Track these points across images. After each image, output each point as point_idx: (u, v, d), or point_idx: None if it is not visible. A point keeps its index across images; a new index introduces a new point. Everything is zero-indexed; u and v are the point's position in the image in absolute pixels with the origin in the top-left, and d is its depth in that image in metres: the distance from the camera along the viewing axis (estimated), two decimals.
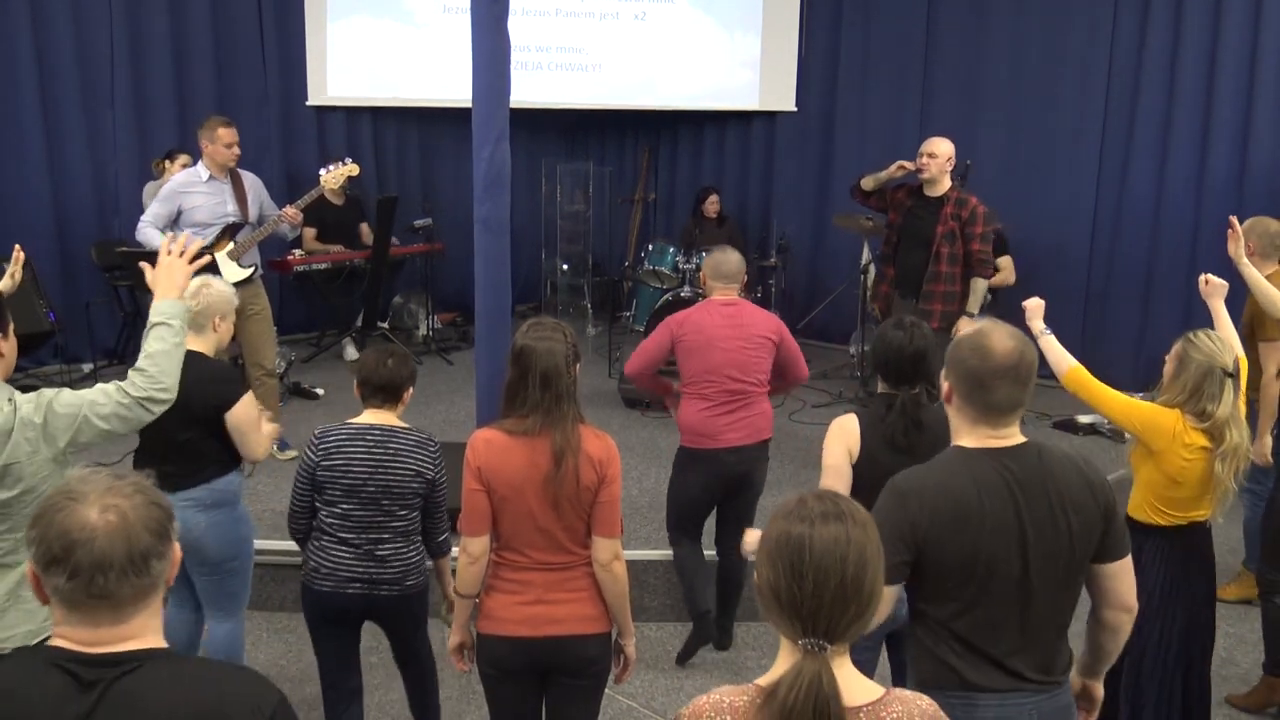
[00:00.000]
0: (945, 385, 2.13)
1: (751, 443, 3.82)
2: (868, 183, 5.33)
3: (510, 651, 2.55)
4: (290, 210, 5.42)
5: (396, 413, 3.08)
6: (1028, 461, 2.04)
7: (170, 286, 2.55)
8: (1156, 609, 2.96)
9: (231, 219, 5.30)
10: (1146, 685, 3.00)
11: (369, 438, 2.97)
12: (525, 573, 2.54)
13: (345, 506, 2.95)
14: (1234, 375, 2.87)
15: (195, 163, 5.52)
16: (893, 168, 5.22)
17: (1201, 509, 2.96)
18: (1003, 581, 2.00)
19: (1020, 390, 2.03)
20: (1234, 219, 3.69)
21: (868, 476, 2.78)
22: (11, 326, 2.47)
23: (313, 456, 2.96)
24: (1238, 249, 3.66)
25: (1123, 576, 2.11)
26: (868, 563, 1.44)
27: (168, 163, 6.71)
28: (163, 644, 1.48)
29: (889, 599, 2.05)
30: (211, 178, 5.26)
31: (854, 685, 1.47)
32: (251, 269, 5.37)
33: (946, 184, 5.15)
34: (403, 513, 2.98)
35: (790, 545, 1.44)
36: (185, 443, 3.20)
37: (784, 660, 1.48)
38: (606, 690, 2.77)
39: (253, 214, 5.39)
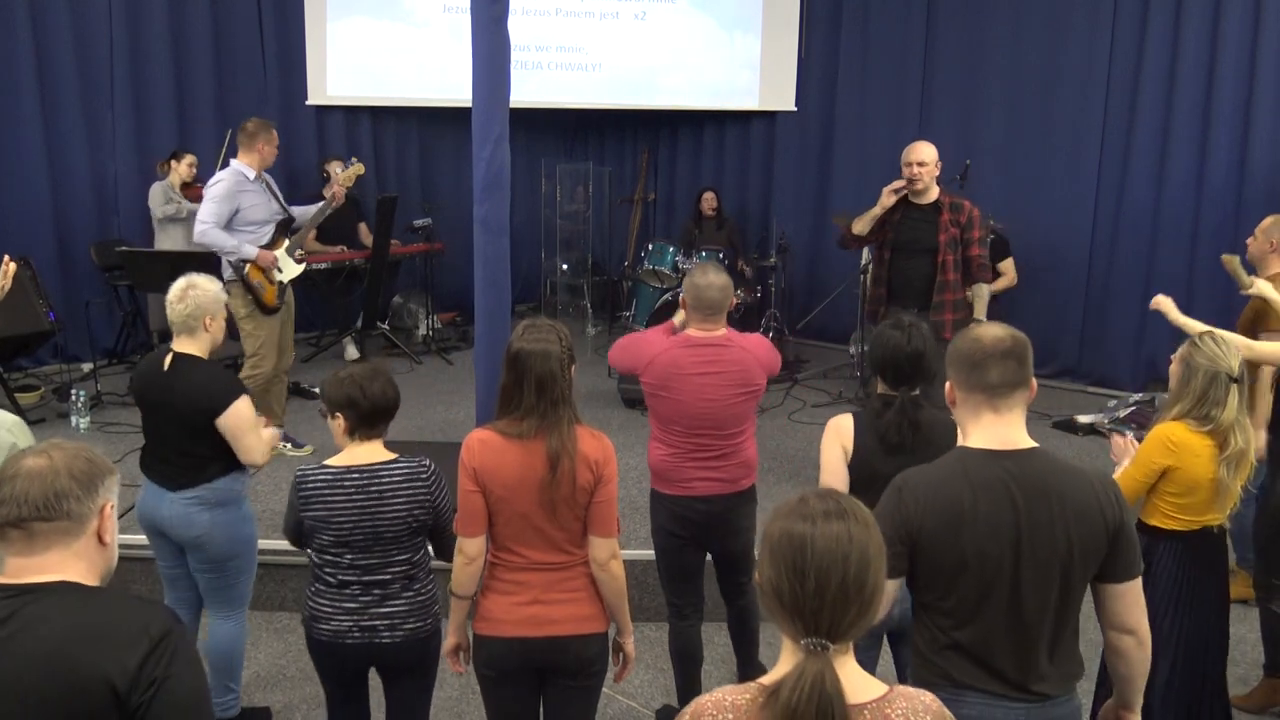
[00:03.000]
0: (948, 388, 2.13)
1: (726, 493, 3.32)
2: (860, 225, 5.01)
3: (507, 652, 2.55)
4: (339, 190, 5.58)
5: (383, 440, 2.75)
6: (1032, 466, 2.02)
7: None
8: (1166, 613, 2.96)
9: (280, 216, 5.35)
10: (1156, 688, 2.99)
11: (348, 483, 2.63)
12: (522, 573, 2.54)
13: (335, 553, 2.67)
14: (1239, 380, 2.87)
15: (226, 163, 5.42)
16: (884, 197, 4.91)
17: (1212, 514, 2.96)
18: (994, 584, 1.99)
19: (1017, 368, 2.03)
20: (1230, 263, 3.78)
21: (862, 476, 2.78)
22: None
23: (296, 502, 2.69)
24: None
25: (1127, 598, 2.05)
26: (870, 561, 1.44)
27: (174, 162, 6.74)
28: (84, 580, 1.64)
29: (889, 594, 2.01)
30: (257, 176, 5.27)
31: (857, 683, 1.47)
32: (303, 265, 5.46)
33: (935, 190, 4.92)
34: (401, 556, 2.69)
35: (792, 544, 1.44)
36: (184, 445, 3.20)
37: (787, 660, 1.48)
38: (606, 690, 2.77)
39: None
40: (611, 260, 9.12)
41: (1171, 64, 6.69)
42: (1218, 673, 3.09)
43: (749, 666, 3.75)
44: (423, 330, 8.05)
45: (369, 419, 2.68)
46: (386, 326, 8.01)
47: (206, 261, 5.68)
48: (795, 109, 8.51)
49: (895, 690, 1.50)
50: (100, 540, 1.67)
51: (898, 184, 4.90)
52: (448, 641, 2.71)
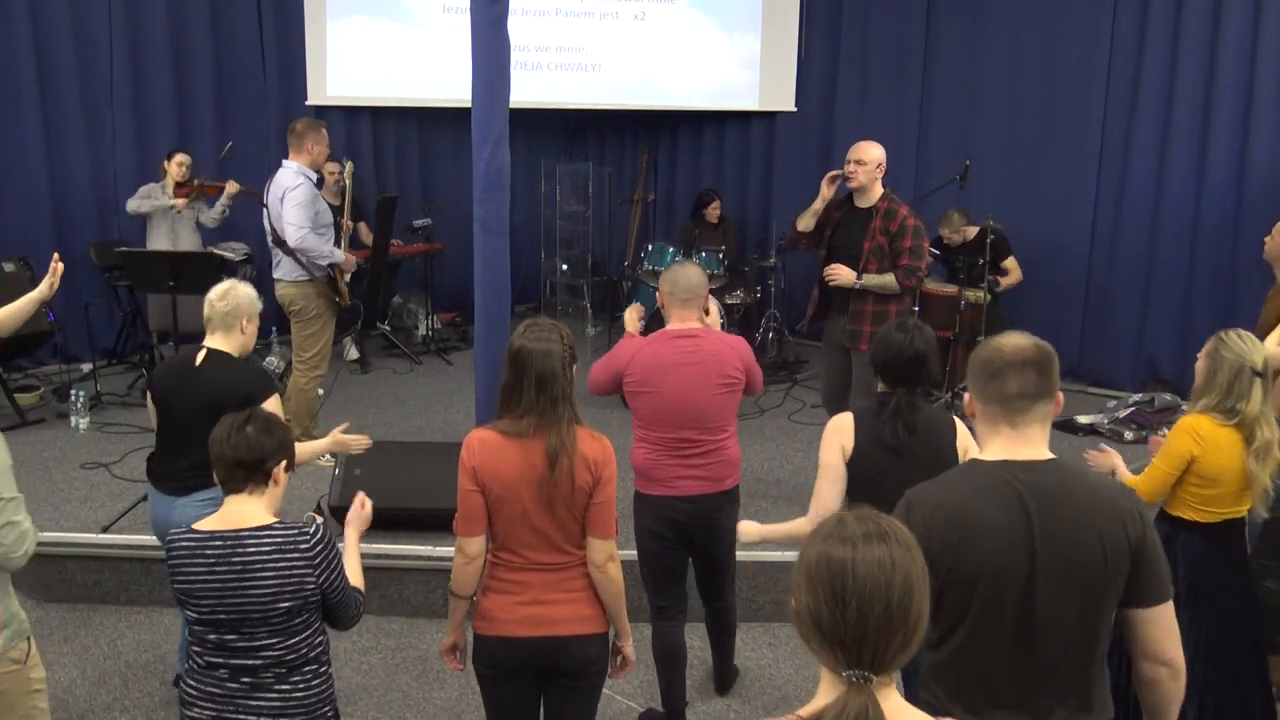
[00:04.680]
0: (967, 399, 2.06)
1: (711, 492, 3.33)
2: (805, 221, 4.81)
3: (507, 652, 2.55)
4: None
5: (265, 499, 2.38)
6: (1046, 475, 1.91)
7: None
8: (1183, 604, 2.97)
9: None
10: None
11: (209, 552, 2.27)
12: (522, 573, 2.54)
13: (200, 631, 2.34)
14: (1262, 375, 2.92)
15: (283, 164, 5.28)
16: (823, 186, 4.75)
17: (1238, 507, 3.00)
18: (1007, 601, 1.86)
19: (1037, 379, 1.93)
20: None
21: (862, 475, 2.79)
22: None
23: (167, 568, 2.36)
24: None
25: (1158, 624, 1.89)
26: (914, 587, 1.35)
27: (166, 162, 6.73)
28: None
29: None
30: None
31: (900, 716, 1.39)
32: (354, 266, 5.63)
33: (877, 193, 4.69)
34: (272, 641, 2.29)
35: (831, 569, 1.34)
36: (206, 439, 3.19)
37: (826, 691, 1.39)
38: (606, 690, 2.77)
39: None
40: (611, 260, 9.12)
41: (1171, 64, 6.69)
42: (1249, 660, 3.09)
43: (726, 669, 3.80)
44: (423, 330, 8.05)
45: (234, 472, 2.34)
46: (386, 327, 8.01)
47: (206, 262, 5.70)
48: (795, 109, 8.50)
49: None
50: None
51: (835, 172, 4.75)
52: (445, 640, 2.71)
